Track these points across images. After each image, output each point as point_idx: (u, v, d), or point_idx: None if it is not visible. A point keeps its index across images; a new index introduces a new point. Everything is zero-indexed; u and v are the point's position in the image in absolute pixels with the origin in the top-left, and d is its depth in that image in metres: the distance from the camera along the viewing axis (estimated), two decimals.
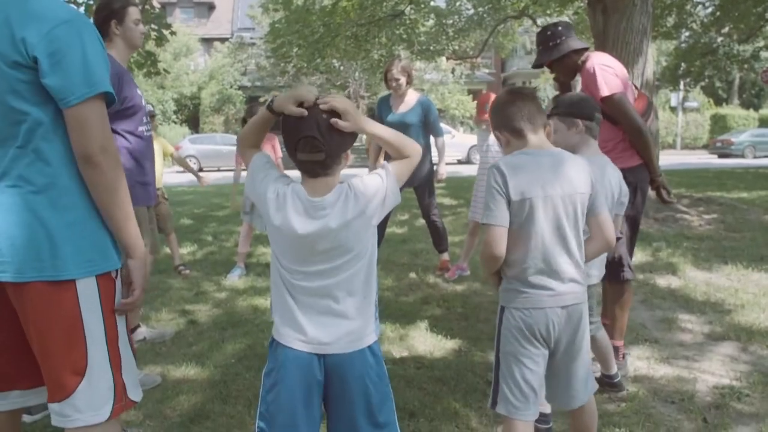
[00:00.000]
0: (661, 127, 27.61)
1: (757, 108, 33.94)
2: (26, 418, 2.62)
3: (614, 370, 2.92)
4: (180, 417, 2.77)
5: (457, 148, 22.19)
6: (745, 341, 3.56)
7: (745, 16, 12.97)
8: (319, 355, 1.65)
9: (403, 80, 4.91)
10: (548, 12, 13.71)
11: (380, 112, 5.10)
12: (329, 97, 1.62)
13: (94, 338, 1.66)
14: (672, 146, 30.20)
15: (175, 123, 29.40)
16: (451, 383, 3.07)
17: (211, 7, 36.38)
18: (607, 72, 3.05)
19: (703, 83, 21.52)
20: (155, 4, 12.99)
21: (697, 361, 3.33)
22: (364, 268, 1.69)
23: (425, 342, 3.67)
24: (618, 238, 2.86)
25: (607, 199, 2.58)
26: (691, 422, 2.67)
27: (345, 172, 1.71)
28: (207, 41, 33.28)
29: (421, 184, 5.10)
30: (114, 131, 2.72)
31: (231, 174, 5.99)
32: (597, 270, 2.67)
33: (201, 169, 21.38)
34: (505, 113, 2.04)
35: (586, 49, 3.19)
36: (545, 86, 28.76)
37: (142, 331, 3.77)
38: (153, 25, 8.22)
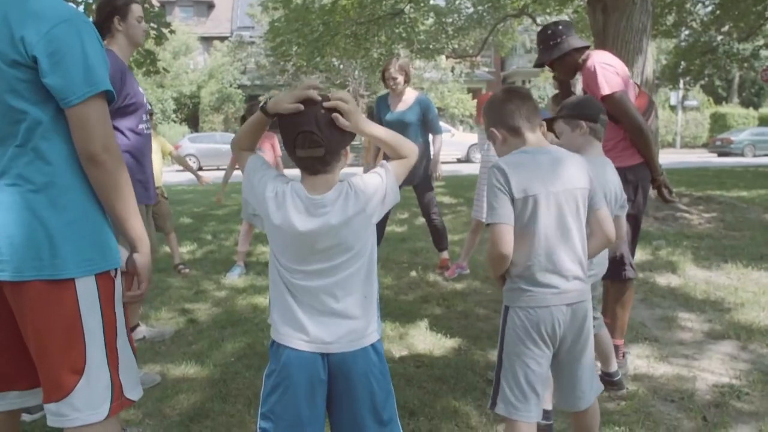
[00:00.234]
0: (661, 125, 27.62)
1: (756, 107, 33.92)
2: (26, 417, 2.62)
3: (615, 368, 2.92)
4: (179, 416, 2.77)
5: (456, 147, 22.18)
6: (745, 340, 3.56)
7: (745, 15, 12.96)
8: (322, 354, 1.65)
9: (400, 79, 4.90)
10: (548, 11, 13.72)
11: (378, 111, 5.10)
12: (334, 96, 1.62)
13: (93, 337, 1.66)
14: (672, 145, 30.19)
15: (175, 122, 29.37)
16: (451, 382, 3.07)
17: (211, 6, 36.34)
18: (607, 70, 3.05)
19: (702, 82, 21.51)
20: (154, 2, 12.99)
21: (696, 359, 3.33)
22: (364, 267, 1.69)
23: (425, 340, 3.67)
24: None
25: (609, 202, 2.58)
26: (690, 421, 2.67)
27: (342, 171, 1.71)
28: (206, 40, 33.24)
29: (420, 183, 5.10)
30: (115, 128, 2.72)
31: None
32: (599, 267, 2.66)
33: (201, 168, 21.40)
34: (503, 111, 2.04)
35: (586, 48, 3.18)
36: (545, 85, 28.76)
37: (142, 330, 3.77)
38: (152, 24, 8.20)
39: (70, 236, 1.61)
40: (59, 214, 1.61)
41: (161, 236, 5.35)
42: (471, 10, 15.42)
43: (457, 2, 15.23)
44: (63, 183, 1.62)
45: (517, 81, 35.16)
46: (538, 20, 14.47)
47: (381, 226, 5.34)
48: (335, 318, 1.66)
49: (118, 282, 1.75)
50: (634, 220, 3.15)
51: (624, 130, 3.11)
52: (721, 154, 24.49)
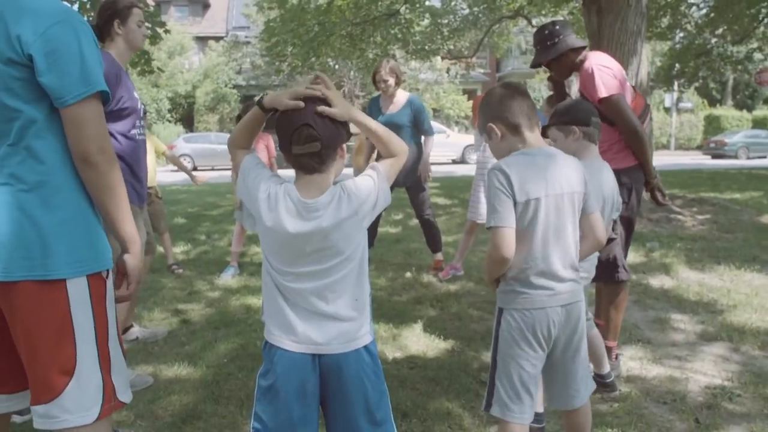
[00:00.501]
0: (655, 127, 27.68)
1: (750, 109, 34.08)
2: (16, 419, 2.60)
3: (606, 369, 2.92)
4: (171, 417, 2.76)
5: (451, 148, 22.19)
6: (737, 341, 3.57)
7: (739, 18, 13.02)
8: (313, 356, 1.65)
9: (391, 81, 4.93)
10: (543, 12, 13.74)
11: (371, 113, 5.10)
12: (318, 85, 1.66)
13: (84, 338, 1.65)
14: (666, 147, 30.30)
15: (170, 122, 29.30)
16: (444, 383, 3.07)
17: (206, 6, 36.25)
18: (605, 73, 3.04)
19: (697, 84, 21.61)
20: (150, 1, 12.94)
21: (689, 361, 3.34)
22: (354, 270, 1.69)
23: (418, 342, 3.67)
24: (612, 239, 2.87)
25: (606, 205, 2.58)
26: (683, 422, 2.68)
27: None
28: (202, 40, 33.14)
29: (413, 185, 5.10)
30: None
31: (225, 173, 5.96)
32: (587, 273, 2.66)
33: (195, 168, 21.37)
34: (503, 106, 2.00)
35: (583, 48, 3.17)
36: (540, 86, 28.79)
37: (135, 331, 3.76)
38: (147, 24, 8.18)
39: (61, 236, 1.60)
40: (51, 214, 1.60)
41: (155, 236, 5.33)
42: (466, 11, 15.45)
43: (452, 3, 15.23)
44: (55, 182, 1.61)
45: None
46: (534, 22, 14.49)
47: (373, 227, 5.34)
48: (326, 320, 1.66)
49: (110, 283, 1.74)
50: (627, 222, 3.15)
51: (619, 132, 3.11)
52: (715, 156, 24.58)
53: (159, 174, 6.01)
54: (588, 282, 2.72)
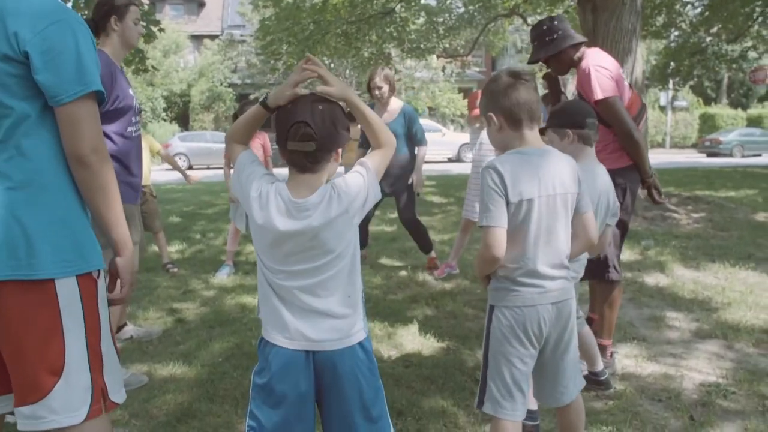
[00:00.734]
0: (651, 126, 27.74)
1: (745, 107, 34.18)
2: (9, 419, 2.59)
3: (600, 367, 2.92)
4: (166, 416, 2.75)
5: (447, 147, 22.16)
6: (732, 339, 3.58)
7: (734, 17, 13.05)
8: (307, 353, 1.65)
9: (385, 88, 4.95)
10: (538, 11, 13.74)
11: None
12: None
13: (73, 338, 1.63)
14: (661, 145, 30.36)
15: (165, 120, 29.23)
16: (439, 382, 3.07)
17: (201, 4, 36.14)
18: (601, 74, 3.01)
19: (692, 82, 21.64)
20: (144, 0, 12.89)
21: (684, 359, 3.35)
22: (346, 268, 1.69)
23: (414, 340, 3.67)
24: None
25: (599, 207, 2.58)
26: (677, 420, 2.69)
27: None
28: (197, 38, 33.06)
29: (402, 190, 5.10)
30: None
31: (221, 171, 5.96)
32: (576, 269, 2.65)
33: (191, 167, 21.34)
34: (508, 98, 1.93)
35: (582, 44, 3.15)
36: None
37: (129, 330, 3.75)
38: (141, 22, 8.17)
39: (49, 236, 1.58)
40: (38, 213, 1.58)
41: (149, 235, 5.32)
42: (462, 9, 15.45)
43: (448, 2, 15.25)
44: (44, 181, 1.60)
45: None
46: (529, 20, 14.49)
47: (364, 228, 5.34)
48: (319, 317, 1.66)
49: (101, 283, 1.72)
50: (621, 222, 3.14)
51: (614, 133, 3.10)
52: (710, 155, 24.66)
53: (153, 173, 6.01)
54: (576, 281, 2.71)
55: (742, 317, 3.93)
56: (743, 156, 24.06)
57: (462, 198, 6.58)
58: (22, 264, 1.56)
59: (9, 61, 1.53)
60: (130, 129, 3.01)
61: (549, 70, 3.38)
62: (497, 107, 1.96)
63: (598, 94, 2.99)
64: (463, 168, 14.58)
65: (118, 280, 1.79)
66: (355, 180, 1.69)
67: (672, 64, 16.87)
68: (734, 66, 19.25)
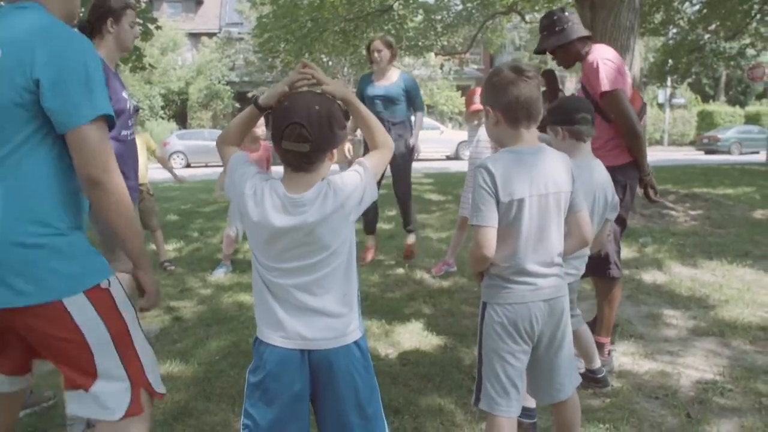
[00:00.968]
0: (649, 123, 27.74)
1: (743, 105, 34.22)
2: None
3: (597, 364, 2.92)
4: (163, 415, 2.74)
5: (445, 144, 22.13)
6: (729, 336, 3.59)
7: (732, 14, 13.05)
8: (302, 351, 1.64)
9: (385, 52, 4.94)
10: (536, 8, 13.72)
11: (362, 87, 5.12)
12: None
13: (102, 350, 1.66)
14: (659, 142, 30.40)
15: (163, 118, 29.18)
16: (437, 380, 3.07)
17: (199, 2, 36.04)
18: (609, 67, 3.03)
19: (690, 80, 21.66)
20: None
21: (681, 356, 3.35)
22: (342, 265, 1.69)
23: (411, 338, 3.67)
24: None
25: (596, 204, 2.57)
26: (674, 417, 2.69)
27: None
28: (194, 36, 32.97)
29: (398, 164, 5.14)
30: None
31: (219, 170, 5.96)
32: (576, 270, 2.65)
33: (189, 165, 21.30)
34: (508, 95, 1.90)
35: (589, 38, 3.16)
36: None
37: None
38: (138, 20, 8.15)
39: (49, 258, 1.59)
40: (33, 240, 1.58)
41: (147, 233, 5.31)
42: (460, 7, 15.40)
43: None
44: (43, 203, 1.61)
45: None
46: (527, 18, 14.49)
47: (373, 213, 5.38)
48: (315, 315, 1.66)
49: (115, 287, 1.72)
50: (620, 219, 3.15)
51: (614, 129, 3.10)
52: (708, 152, 24.69)
53: (151, 171, 5.99)
54: (577, 279, 2.71)
55: (739, 314, 3.94)
56: (741, 153, 24.09)
57: (459, 195, 6.57)
58: (30, 290, 1.57)
59: (22, 90, 1.54)
60: (124, 132, 3.00)
61: (547, 67, 3.38)
62: (496, 102, 1.94)
63: (606, 86, 2.99)
64: (461, 166, 14.55)
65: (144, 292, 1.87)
66: (352, 178, 1.69)
67: (670, 61, 16.87)
68: (732, 63, 19.22)
